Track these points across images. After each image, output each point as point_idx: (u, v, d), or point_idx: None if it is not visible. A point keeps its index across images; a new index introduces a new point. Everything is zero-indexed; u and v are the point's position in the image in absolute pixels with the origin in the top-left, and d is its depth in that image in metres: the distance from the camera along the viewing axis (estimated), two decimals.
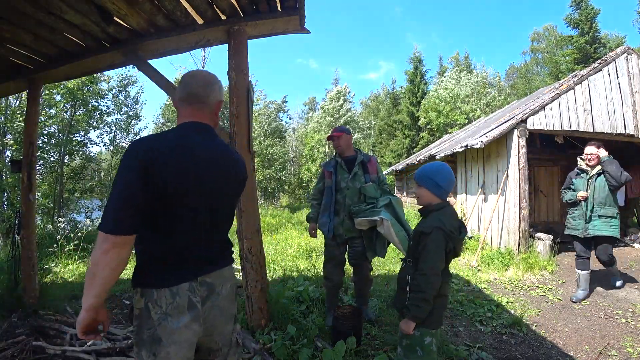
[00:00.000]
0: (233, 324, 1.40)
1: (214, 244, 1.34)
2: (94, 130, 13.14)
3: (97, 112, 12.74)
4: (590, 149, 4.04)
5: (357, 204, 2.92)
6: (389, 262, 5.67)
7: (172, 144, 1.21)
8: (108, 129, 13.77)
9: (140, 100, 15.21)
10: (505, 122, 6.77)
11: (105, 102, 13.16)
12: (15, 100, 10.85)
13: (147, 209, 1.14)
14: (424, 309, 1.67)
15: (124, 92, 14.25)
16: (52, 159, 11.63)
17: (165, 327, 1.18)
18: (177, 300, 1.19)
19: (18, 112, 10.43)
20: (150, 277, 1.21)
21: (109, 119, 13.66)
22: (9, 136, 10.77)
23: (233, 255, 1.47)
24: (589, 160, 4.03)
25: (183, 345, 1.20)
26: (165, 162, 1.14)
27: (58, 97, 11.27)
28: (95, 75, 11.81)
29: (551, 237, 6.09)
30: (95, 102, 12.51)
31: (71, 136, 11.91)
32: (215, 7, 2.50)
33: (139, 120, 15.37)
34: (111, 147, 15.04)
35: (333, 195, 3.03)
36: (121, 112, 14.31)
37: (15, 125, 10.46)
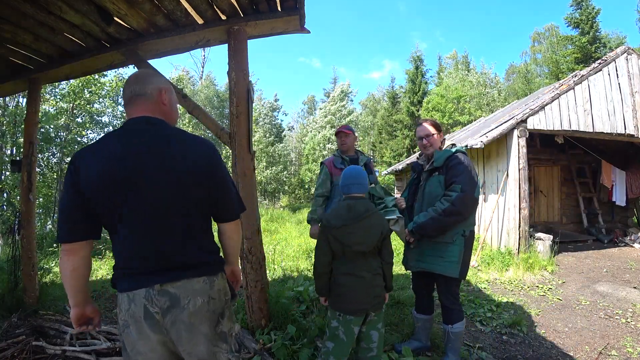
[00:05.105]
0: (212, 345, 1.21)
1: (176, 248, 1.18)
2: (90, 132, 13.09)
3: (95, 114, 12.70)
4: (422, 130, 2.48)
5: None
6: None
7: (94, 146, 1.18)
8: (101, 130, 13.64)
9: None
10: (505, 122, 6.77)
11: (103, 104, 13.12)
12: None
13: (89, 214, 1.14)
14: (317, 284, 2.02)
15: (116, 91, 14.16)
16: (53, 160, 11.62)
17: (127, 335, 1.17)
18: (133, 307, 1.14)
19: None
20: (115, 280, 1.22)
21: (105, 120, 13.58)
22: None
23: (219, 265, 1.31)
24: (424, 146, 2.48)
25: (149, 356, 1.17)
26: (84, 165, 1.14)
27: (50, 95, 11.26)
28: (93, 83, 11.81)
29: (551, 237, 6.09)
30: (94, 104, 12.48)
31: (70, 136, 11.89)
32: (215, 7, 2.50)
33: None
34: None
35: None
36: (115, 113, 14.21)
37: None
